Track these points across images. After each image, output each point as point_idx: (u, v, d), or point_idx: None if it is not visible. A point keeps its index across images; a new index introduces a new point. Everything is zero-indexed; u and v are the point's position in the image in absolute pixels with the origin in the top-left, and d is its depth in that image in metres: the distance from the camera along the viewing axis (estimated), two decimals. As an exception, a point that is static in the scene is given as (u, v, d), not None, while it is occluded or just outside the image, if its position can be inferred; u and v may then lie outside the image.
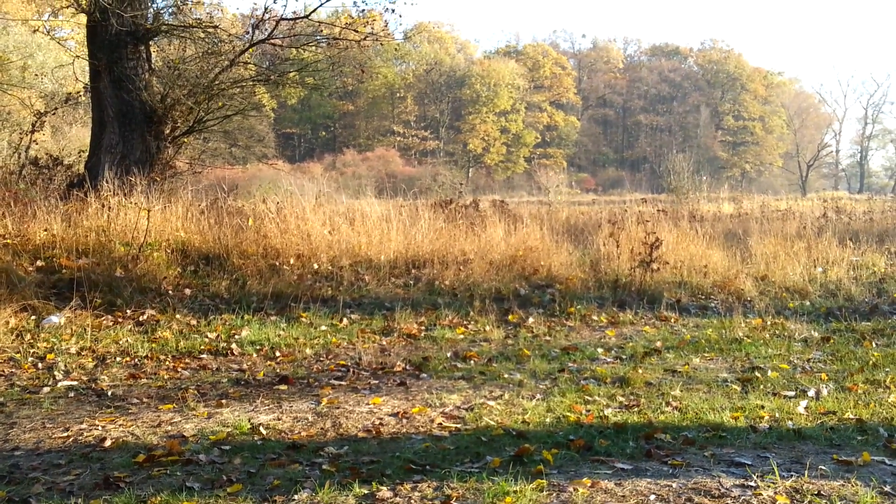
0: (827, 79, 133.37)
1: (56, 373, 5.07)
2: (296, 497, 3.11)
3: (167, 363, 5.46)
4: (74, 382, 4.91)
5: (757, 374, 5.26)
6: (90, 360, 5.43)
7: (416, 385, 5.01)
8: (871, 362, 5.59)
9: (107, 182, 8.47)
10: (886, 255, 11.19)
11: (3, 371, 5.10)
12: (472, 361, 5.67)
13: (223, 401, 4.55)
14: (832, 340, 6.42)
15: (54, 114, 13.74)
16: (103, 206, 7.87)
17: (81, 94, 11.66)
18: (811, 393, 4.77)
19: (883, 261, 10.73)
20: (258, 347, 5.92)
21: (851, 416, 4.27)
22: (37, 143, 11.07)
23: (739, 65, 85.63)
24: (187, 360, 5.55)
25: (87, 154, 10.33)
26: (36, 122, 10.90)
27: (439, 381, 5.14)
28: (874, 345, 6.26)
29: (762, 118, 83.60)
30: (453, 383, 5.05)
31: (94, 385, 4.87)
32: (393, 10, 11.15)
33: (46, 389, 4.74)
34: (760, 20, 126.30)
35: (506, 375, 5.22)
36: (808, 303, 8.21)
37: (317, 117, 69.63)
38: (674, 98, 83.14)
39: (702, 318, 7.52)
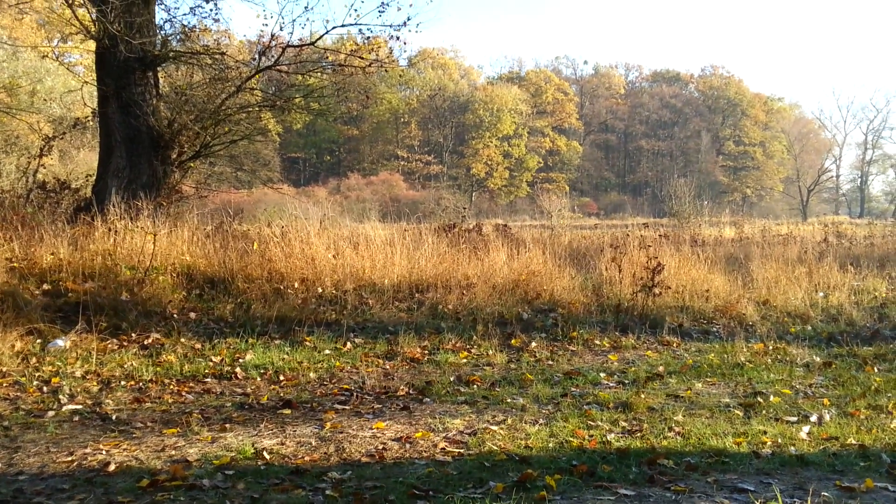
0: (827, 104, 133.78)
1: (61, 396, 5.10)
2: (300, 521, 3.12)
3: (171, 387, 5.48)
4: (79, 406, 4.94)
5: (759, 399, 5.27)
6: (95, 383, 5.46)
7: (419, 409, 5.02)
8: (873, 387, 5.60)
9: (113, 206, 8.56)
10: (887, 280, 11.22)
11: (9, 395, 5.13)
12: (475, 386, 5.69)
13: (227, 425, 4.57)
14: (834, 365, 6.44)
15: (62, 138, 13.89)
16: (110, 229, 7.94)
17: (89, 118, 11.80)
18: (813, 418, 4.77)
19: (884, 286, 10.76)
20: (262, 371, 5.94)
21: (854, 442, 4.28)
22: (45, 168, 11.20)
23: (740, 90, 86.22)
24: (191, 384, 5.57)
25: (94, 178, 10.44)
26: (44, 146, 11.03)
27: (442, 405, 5.15)
28: (876, 370, 6.27)
29: (763, 143, 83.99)
30: (456, 408, 5.07)
31: (98, 409, 4.89)
32: (398, 38, 11.31)
33: (51, 413, 4.77)
34: (760, 46, 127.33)
35: (509, 400, 5.24)
36: (809, 327, 8.23)
37: (322, 142, 70.11)
38: (675, 123, 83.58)
39: (704, 342, 7.54)
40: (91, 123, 12.18)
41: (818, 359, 6.68)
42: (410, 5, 11.08)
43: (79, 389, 5.30)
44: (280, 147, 59.71)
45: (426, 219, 16.49)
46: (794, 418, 4.79)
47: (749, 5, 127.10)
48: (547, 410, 4.98)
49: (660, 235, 13.95)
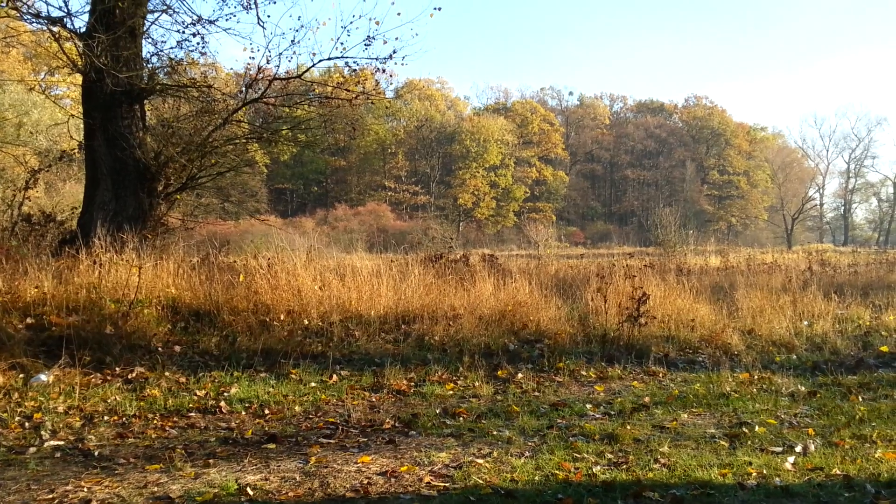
0: (809, 133, 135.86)
1: (43, 432, 5.04)
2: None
3: (155, 422, 5.43)
4: (61, 442, 4.88)
5: (745, 429, 5.28)
6: (78, 419, 5.40)
7: (404, 443, 5.00)
8: (857, 416, 5.63)
9: (99, 239, 8.52)
10: (871, 309, 11.30)
11: (-10, 431, 5.07)
12: (461, 418, 5.67)
13: (210, 460, 4.52)
14: (819, 395, 6.46)
15: (48, 171, 13.87)
16: (94, 262, 7.91)
17: (76, 151, 11.80)
18: (798, 448, 4.79)
19: (868, 314, 10.84)
20: (247, 405, 5.90)
21: (839, 472, 4.29)
22: (30, 200, 11.15)
23: (723, 120, 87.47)
24: (175, 419, 5.52)
25: (79, 211, 10.41)
26: (30, 179, 11.00)
27: (428, 438, 5.13)
28: (860, 399, 6.31)
29: (747, 172, 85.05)
30: (442, 440, 5.05)
31: (80, 445, 4.84)
32: (384, 71, 11.40)
33: (33, 450, 4.71)
34: (743, 77, 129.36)
35: (495, 432, 5.22)
36: (794, 356, 8.27)
37: (309, 173, 70.30)
38: (660, 153, 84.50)
39: (690, 372, 7.55)
40: (77, 156, 12.19)
41: (803, 388, 6.71)
42: (396, 38, 11.16)
43: (61, 425, 5.24)
44: (267, 178, 59.88)
45: (413, 249, 16.51)
46: (780, 448, 4.81)
47: (732, 37, 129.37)
48: (533, 443, 4.97)
49: (645, 265, 14.03)
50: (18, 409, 5.48)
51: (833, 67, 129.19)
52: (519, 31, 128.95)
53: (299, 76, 12.29)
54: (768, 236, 79.18)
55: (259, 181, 53.59)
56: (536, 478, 4.21)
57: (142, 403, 5.77)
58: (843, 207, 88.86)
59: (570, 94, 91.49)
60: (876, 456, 4.59)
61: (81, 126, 10.68)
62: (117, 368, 6.50)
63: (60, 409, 5.53)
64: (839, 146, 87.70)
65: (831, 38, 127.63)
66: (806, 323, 9.69)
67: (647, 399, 6.31)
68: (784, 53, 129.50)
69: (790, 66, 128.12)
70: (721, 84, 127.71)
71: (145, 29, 10.69)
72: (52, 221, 10.31)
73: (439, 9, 10.98)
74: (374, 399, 6.30)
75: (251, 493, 3.94)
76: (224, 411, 5.74)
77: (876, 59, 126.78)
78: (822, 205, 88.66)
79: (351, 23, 10.84)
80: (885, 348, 8.60)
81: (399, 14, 10.84)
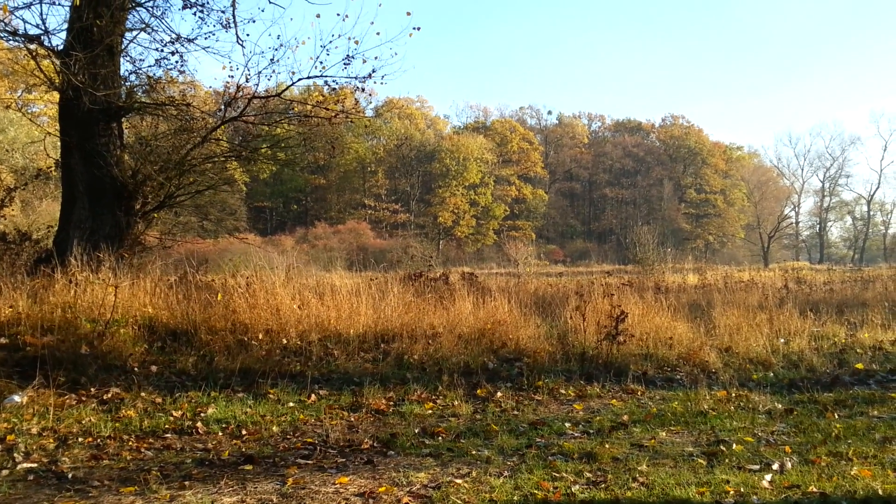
0: (784, 152, 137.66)
1: (16, 454, 4.95)
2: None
3: (130, 443, 5.35)
4: (34, 465, 4.80)
5: (722, 447, 5.31)
6: (51, 440, 5.31)
7: (383, 463, 4.97)
8: (833, 434, 5.68)
9: (75, 258, 8.43)
10: (846, 326, 11.44)
11: (-40, 453, 4.97)
12: (440, 437, 5.65)
13: (186, 482, 4.47)
14: (795, 412, 6.52)
15: (24, 189, 13.73)
16: (70, 281, 7.82)
17: (52, 169, 11.70)
18: (775, 466, 4.82)
19: (843, 331, 10.98)
20: (224, 426, 5.84)
21: (815, 490, 4.33)
22: (5, 218, 11.02)
23: (700, 140, 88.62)
24: (151, 440, 5.45)
25: (56, 229, 10.30)
26: (5, 197, 10.89)
27: (407, 458, 5.11)
28: (836, 416, 6.37)
29: (723, 191, 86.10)
30: (421, 461, 5.03)
31: (54, 467, 4.76)
32: (363, 90, 11.43)
33: (5, 472, 4.62)
34: (719, 97, 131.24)
35: (474, 452, 5.21)
36: (771, 374, 8.34)
37: (289, 191, 70.13)
38: (638, 172, 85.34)
39: (668, 390, 7.59)
40: (54, 173, 12.08)
41: (780, 406, 6.76)
42: (376, 58, 11.23)
43: (34, 447, 5.15)
44: (247, 196, 59.66)
45: (393, 267, 16.50)
46: (757, 466, 4.84)
47: (708, 57, 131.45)
48: (512, 462, 4.96)
49: (623, 283, 14.12)
50: (-10, 432, 5.38)
51: (806, 88, 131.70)
52: (498, 50, 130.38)
53: (279, 94, 12.30)
54: (745, 254, 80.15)
55: (238, 199, 53.35)
56: (515, 498, 4.20)
57: (117, 424, 5.69)
58: (818, 226, 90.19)
59: (549, 113, 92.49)
60: (852, 473, 4.63)
61: (58, 144, 10.60)
62: (92, 389, 6.42)
63: (34, 430, 5.44)
64: (814, 165, 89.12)
65: (804, 58, 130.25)
66: (782, 340, 9.78)
67: (625, 417, 6.33)
68: (758, 74, 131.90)
69: (765, 86, 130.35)
70: (697, 104, 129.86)
71: (123, 47, 10.66)
72: (27, 240, 10.19)
73: (418, 28, 11.05)
74: (352, 419, 6.26)
75: (228, 515, 3.89)
76: (201, 432, 5.68)
77: (848, 79, 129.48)
78: (797, 223, 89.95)
79: (330, 42, 10.87)
80: (860, 365, 8.70)
81: (378, 34, 10.91)
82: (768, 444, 5.48)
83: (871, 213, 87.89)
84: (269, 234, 60.13)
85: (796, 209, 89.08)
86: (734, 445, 5.35)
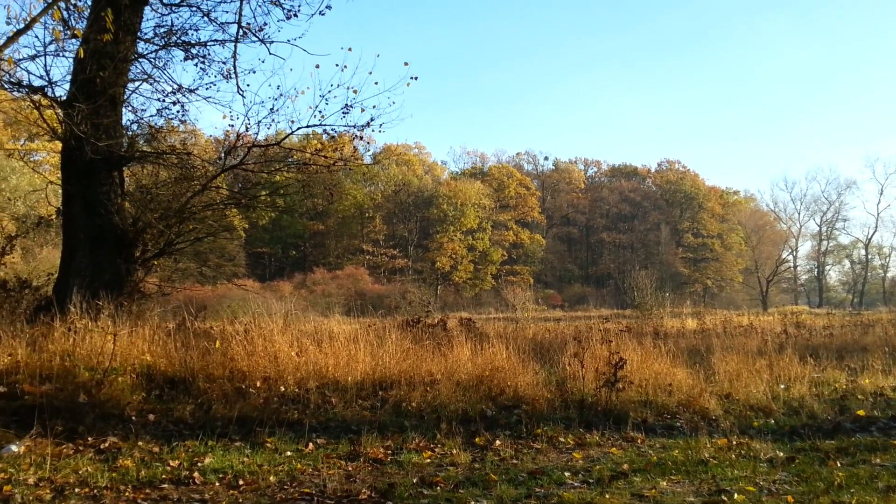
0: (781, 196, 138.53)
1: (10, 506, 4.90)
2: None
3: (127, 494, 5.30)
4: (29, 516, 4.75)
5: (724, 497, 5.27)
6: (48, 491, 5.26)
7: (382, 514, 4.93)
8: (836, 483, 5.63)
9: (74, 305, 8.45)
10: (847, 372, 11.40)
11: (-46, 505, 4.92)
12: (438, 487, 5.60)
13: (184, 534, 4.42)
14: (797, 460, 6.46)
15: (25, 237, 13.79)
16: (69, 329, 7.83)
17: (53, 217, 11.78)
18: (777, 515, 4.78)
19: (844, 377, 10.93)
20: (221, 475, 5.78)
21: (817, 540, 4.29)
22: (6, 266, 11.05)
23: (695, 184, 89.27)
24: (148, 491, 5.40)
25: (56, 276, 10.33)
26: (6, 245, 10.92)
27: (406, 508, 5.06)
28: (839, 464, 6.31)
29: (720, 235, 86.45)
30: (420, 511, 4.98)
31: (49, 519, 4.71)
32: (361, 138, 11.59)
33: (-1, 525, 4.58)
34: (714, 141, 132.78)
35: (472, 502, 5.16)
36: (772, 421, 8.29)
37: (287, 237, 70.36)
38: (634, 216, 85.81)
39: (668, 438, 7.54)
40: (55, 221, 12.15)
41: (781, 454, 6.71)
42: (374, 107, 11.37)
43: (31, 498, 5.10)
44: (246, 242, 59.83)
45: (391, 313, 16.49)
46: (758, 516, 4.79)
47: (703, 102, 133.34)
48: (512, 512, 4.92)
49: (621, 329, 14.11)
50: (-15, 483, 5.34)
51: (799, 131, 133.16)
52: (494, 98, 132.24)
53: (278, 143, 12.46)
54: (744, 298, 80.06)
55: (237, 245, 53.51)
56: (515, 549, 4.16)
57: (114, 474, 5.64)
58: (816, 269, 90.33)
59: (546, 158, 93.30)
60: (853, 522, 4.59)
61: (60, 192, 10.69)
62: (90, 438, 6.38)
63: (31, 480, 5.39)
64: (810, 209, 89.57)
65: (796, 102, 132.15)
66: (783, 386, 9.75)
67: (625, 466, 6.28)
68: (752, 117, 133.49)
69: (758, 129, 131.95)
70: (693, 148, 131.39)
71: (126, 97, 10.85)
72: (27, 288, 10.20)
73: (415, 78, 11.25)
74: (350, 468, 6.21)
75: (225, 568, 3.84)
76: (198, 482, 5.62)
77: (840, 122, 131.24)
78: (795, 267, 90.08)
79: (329, 91, 11.07)
80: (861, 412, 8.63)
81: (377, 83, 11.07)
82: (770, 493, 5.43)
83: (869, 256, 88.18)
84: (267, 279, 60.12)
85: (794, 253, 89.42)
86: (736, 495, 5.30)
